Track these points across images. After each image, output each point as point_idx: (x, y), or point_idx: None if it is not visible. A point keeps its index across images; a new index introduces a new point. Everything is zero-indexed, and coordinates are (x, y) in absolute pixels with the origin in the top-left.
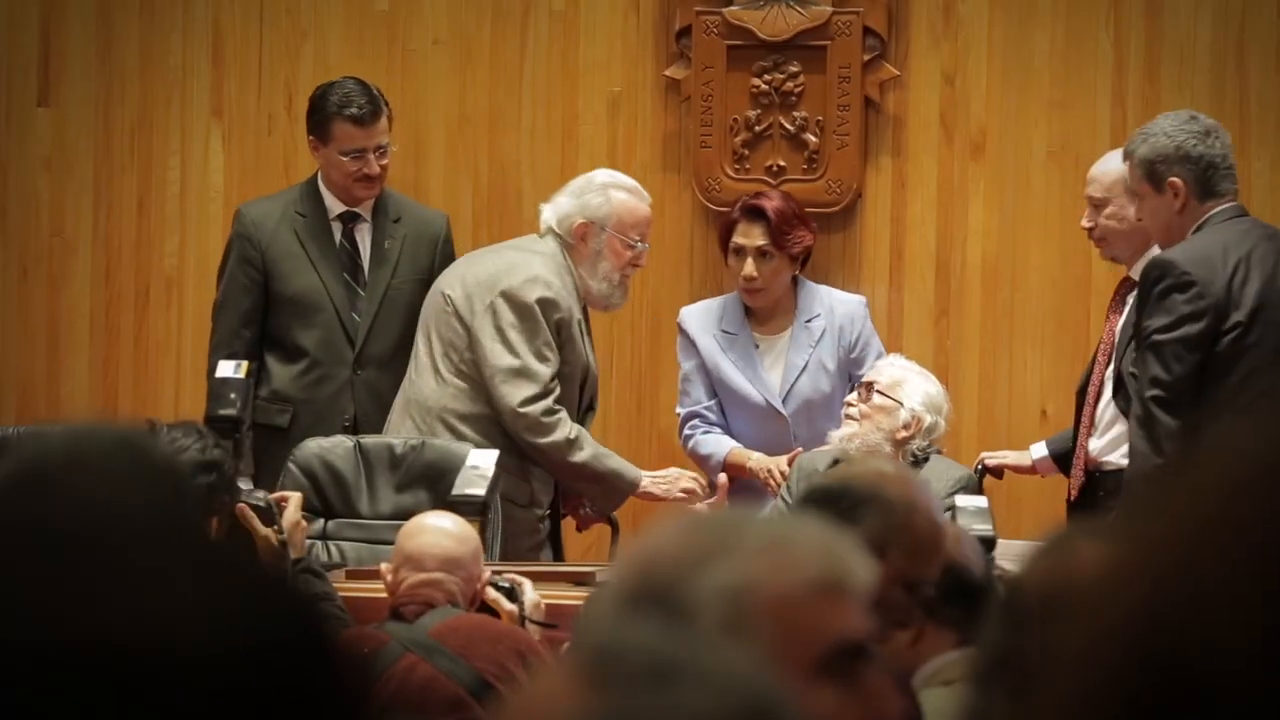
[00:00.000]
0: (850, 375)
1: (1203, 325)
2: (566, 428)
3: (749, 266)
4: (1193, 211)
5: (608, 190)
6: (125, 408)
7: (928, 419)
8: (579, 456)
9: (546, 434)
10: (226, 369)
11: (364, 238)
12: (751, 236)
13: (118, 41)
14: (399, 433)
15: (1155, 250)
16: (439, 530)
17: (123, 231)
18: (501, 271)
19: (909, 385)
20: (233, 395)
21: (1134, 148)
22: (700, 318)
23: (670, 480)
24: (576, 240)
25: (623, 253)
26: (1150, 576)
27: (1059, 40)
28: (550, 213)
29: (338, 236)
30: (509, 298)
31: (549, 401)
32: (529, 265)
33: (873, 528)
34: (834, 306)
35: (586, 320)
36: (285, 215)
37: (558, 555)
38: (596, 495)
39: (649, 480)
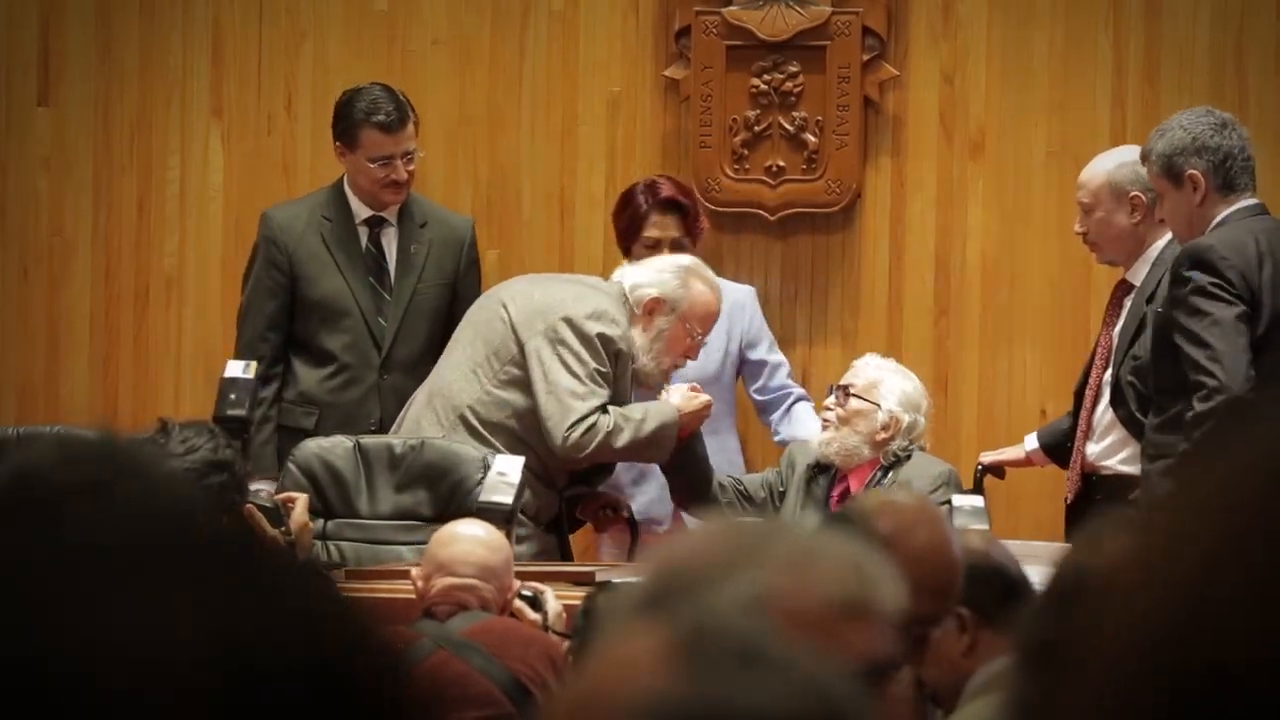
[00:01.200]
0: (742, 360)
1: (1246, 308)
2: (604, 427)
3: None
4: (1213, 204)
5: (688, 277)
6: (125, 408)
7: (906, 419)
8: (622, 441)
9: (589, 445)
10: (235, 369)
11: (390, 242)
12: (667, 229)
13: (117, 41)
14: (419, 423)
15: (1151, 253)
16: (473, 539)
17: (122, 231)
18: (570, 299)
19: (885, 385)
20: (241, 395)
21: (1151, 145)
22: None
23: (688, 398)
24: (643, 312)
25: (682, 340)
26: (1182, 570)
27: (1058, 41)
28: (627, 276)
29: (364, 241)
30: (572, 324)
31: (590, 420)
32: (598, 300)
33: None
34: (725, 294)
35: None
36: (311, 219)
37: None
38: (654, 457)
39: (680, 401)
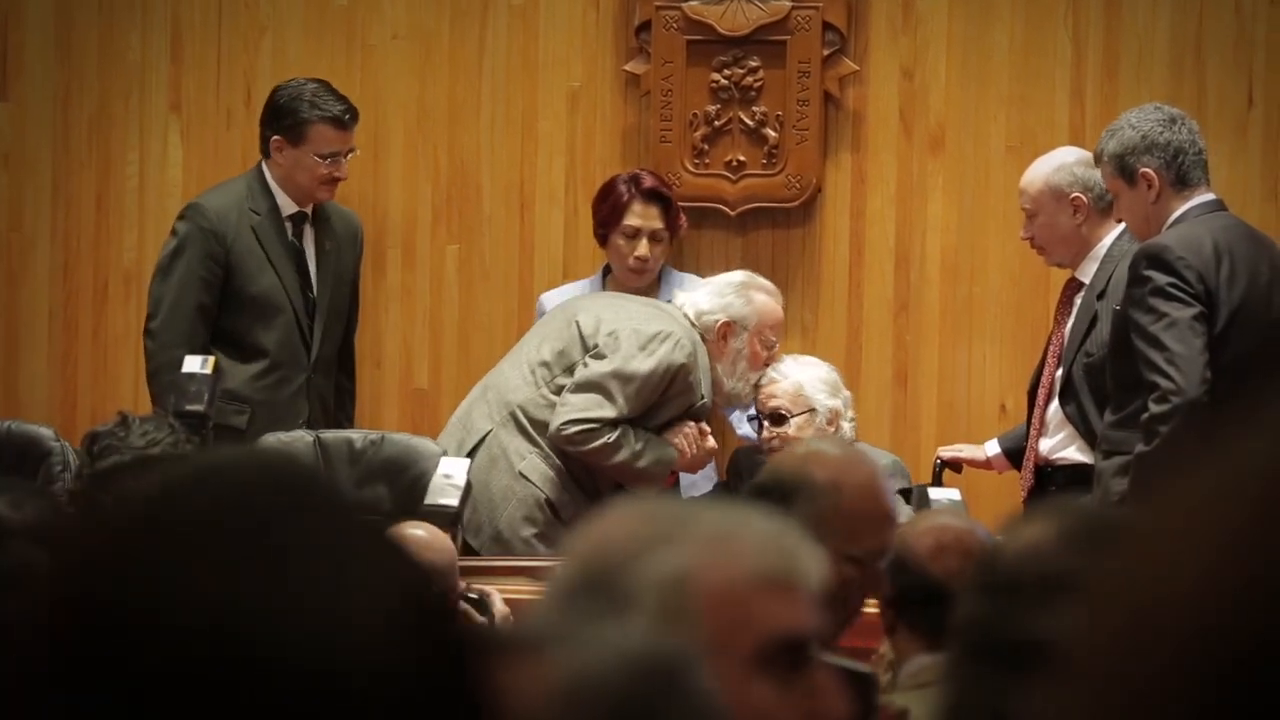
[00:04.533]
0: None
1: (1202, 308)
2: (603, 437)
3: (643, 248)
4: (1168, 201)
5: (749, 291)
6: (84, 403)
7: (838, 402)
8: (619, 458)
9: (583, 445)
10: (192, 364)
11: (309, 240)
12: (649, 218)
13: (76, 36)
14: (469, 412)
15: (1099, 250)
16: (416, 540)
17: (81, 227)
18: (640, 317)
19: (807, 386)
20: (199, 390)
21: (1103, 146)
22: (560, 300)
23: (691, 439)
24: (717, 338)
25: (760, 353)
26: (1243, 572)
27: (1018, 35)
28: (688, 306)
29: (289, 237)
30: (636, 338)
31: (593, 425)
32: (665, 322)
33: (805, 514)
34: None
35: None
36: (241, 212)
37: None
38: (640, 485)
39: (680, 442)
